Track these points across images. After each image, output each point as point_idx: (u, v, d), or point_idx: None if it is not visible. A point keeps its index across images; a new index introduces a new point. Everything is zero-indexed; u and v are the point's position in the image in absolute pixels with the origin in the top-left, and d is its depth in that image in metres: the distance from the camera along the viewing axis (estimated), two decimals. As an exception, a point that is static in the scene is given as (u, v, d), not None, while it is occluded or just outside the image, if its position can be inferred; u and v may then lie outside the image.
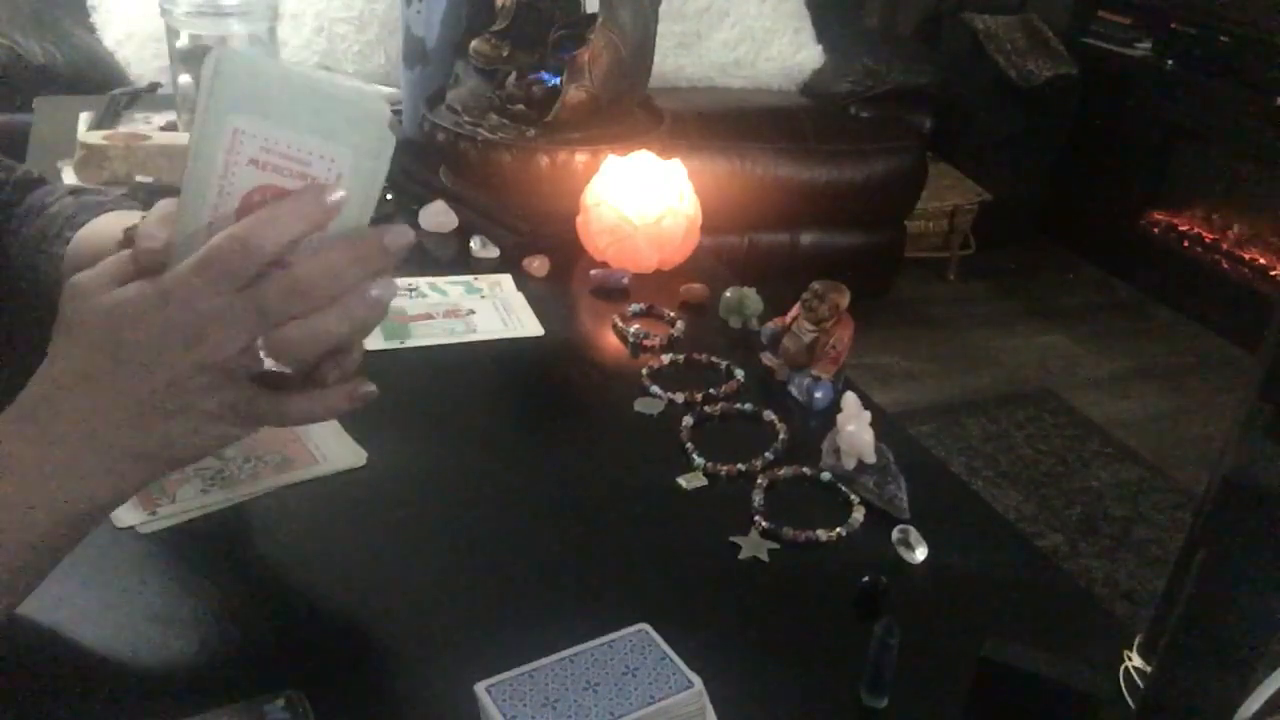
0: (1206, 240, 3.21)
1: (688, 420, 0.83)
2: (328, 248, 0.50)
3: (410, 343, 0.92)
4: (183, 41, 1.15)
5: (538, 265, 1.08)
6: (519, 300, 1.01)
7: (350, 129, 0.50)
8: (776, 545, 0.70)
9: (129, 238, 0.61)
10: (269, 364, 0.51)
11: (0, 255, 0.74)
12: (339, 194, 0.50)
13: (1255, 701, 0.49)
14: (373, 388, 0.55)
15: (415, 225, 1.15)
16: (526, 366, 0.93)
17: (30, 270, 0.71)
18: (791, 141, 2.61)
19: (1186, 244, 3.24)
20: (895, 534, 0.72)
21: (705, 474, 0.77)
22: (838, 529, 0.72)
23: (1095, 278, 3.42)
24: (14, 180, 0.76)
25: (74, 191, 0.75)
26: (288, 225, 0.49)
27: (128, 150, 1.16)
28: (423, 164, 1.24)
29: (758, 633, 0.64)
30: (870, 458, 0.76)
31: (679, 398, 0.86)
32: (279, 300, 0.49)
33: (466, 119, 1.18)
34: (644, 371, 0.90)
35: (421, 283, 1.02)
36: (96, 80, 2.13)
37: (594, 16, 1.12)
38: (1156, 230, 3.33)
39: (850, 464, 0.77)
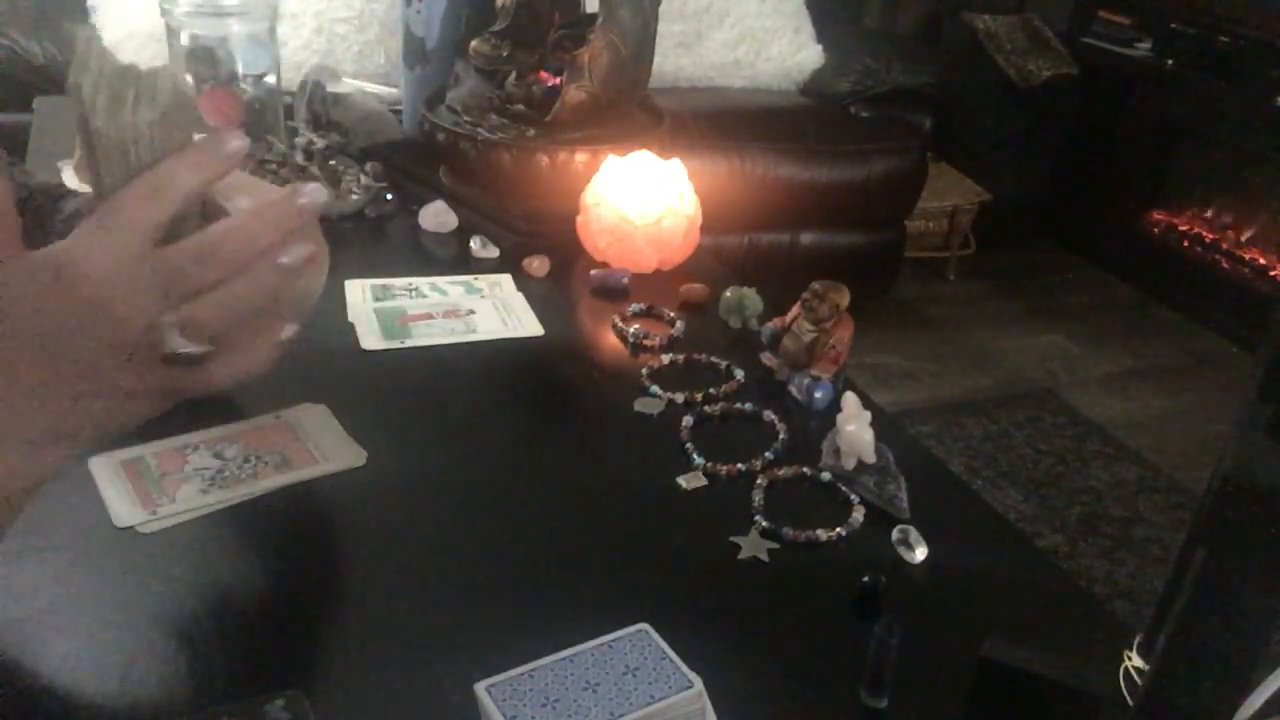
0: (1206, 240, 3.21)
1: (688, 420, 0.83)
2: (239, 210, 0.49)
3: (410, 343, 0.92)
4: (183, 41, 1.15)
5: (538, 265, 1.08)
6: (519, 300, 1.01)
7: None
8: (776, 545, 0.70)
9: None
10: (182, 344, 0.48)
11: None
12: (240, 141, 0.49)
13: (1255, 701, 0.49)
14: (293, 328, 0.53)
15: (415, 225, 1.16)
16: (526, 366, 0.93)
17: None
18: (791, 141, 2.61)
19: (1186, 244, 3.24)
20: (895, 534, 0.72)
21: (705, 474, 0.77)
22: (838, 529, 0.72)
23: (1095, 278, 3.42)
24: (45, 190, 0.77)
25: None
26: (191, 173, 0.48)
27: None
28: (423, 164, 1.24)
29: (758, 633, 0.64)
30: (870, 458, 0.76)
31: (679, 398, 0.86)
32: (188, 265, 0.47)
33: (466, 119, 1.18)
34: (644, 371, 0.90)
35: (421, 283, 1.02)
36: (96, 80, 2.12)
37: (594, 16, 1.12)
38: (1156, 230, 3.33)
39: (850, 464, 0.77)
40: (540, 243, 1.11)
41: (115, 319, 0.46)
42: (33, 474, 0.49)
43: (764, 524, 0.72)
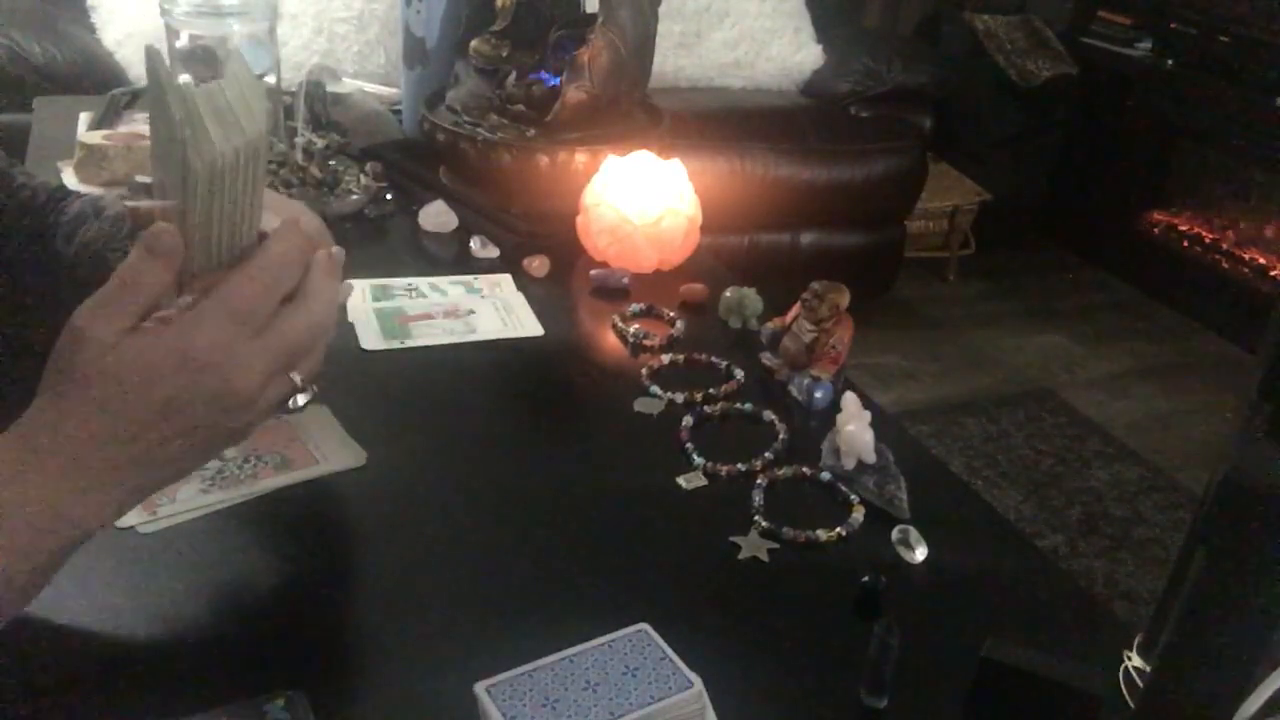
0: (1206, 240, 3.21)
1: (688, 420, 0.83)
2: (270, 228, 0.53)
3: (410, 343, 0.92)
4: (183, 41, 1.15)
5: (538, 265, 1.08)
6: (519, 300, 1.01)
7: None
8: (776, 545, 0.70)
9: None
10: (302, 398, 0.55)
11: (45, 256, 0.74)
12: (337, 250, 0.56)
13: (1255, 701, 0.49)
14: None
15: (415, 225, 1.15)
16: (526, 366, 0.93)
17: (101, 264, 0.72)
18: (791, 141, 2.61)
19: (1186, 244, 3.24)
20: (895, 534, 0.72)
21: (705, 474, 0.77)
22: (838, 529, 0.72)
23: (1095, 278, 3.42)
24: (49, 189, 0.77)
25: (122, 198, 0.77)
26: (297, 265, 0.53)
27: (128, 150, 1.16)
28: (423, 164, 1.24)
29: (758, 633, 0.64)
30: (870, 458, 0.76)
31: (679, 398, 0.86)
32: (304, 338, 0.52)
33: (466, 119, 1.18)
34: (644, 371, 0.90)
35: (421, 283, 1.02)
36: (96, 80, 2.13)
37: (594, 16, 1.13)
38: (1156, 230, 3.33)
39: (850, 464, 0.77)
40: (540, 243, 1.11)
41: (235, 386, 0.50)
42: (100, 520, 0.51)
43: (764, 524, 0.72)
